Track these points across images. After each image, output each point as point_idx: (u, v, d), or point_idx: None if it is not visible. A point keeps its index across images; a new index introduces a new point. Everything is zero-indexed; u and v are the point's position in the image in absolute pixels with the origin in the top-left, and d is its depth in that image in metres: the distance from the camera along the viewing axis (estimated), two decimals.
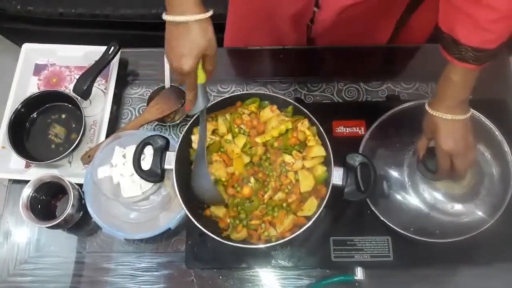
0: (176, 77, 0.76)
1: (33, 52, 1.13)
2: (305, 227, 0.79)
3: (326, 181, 0.83)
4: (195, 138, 0.86)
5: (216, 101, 0.87)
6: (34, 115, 1.07)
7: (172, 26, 0.72)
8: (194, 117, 0.86)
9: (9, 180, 1.03)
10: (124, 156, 0.93)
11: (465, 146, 0.80)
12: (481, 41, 0.70)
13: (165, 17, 0.72)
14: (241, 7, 1.12)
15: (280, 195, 0.82)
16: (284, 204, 0.82)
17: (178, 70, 0.73)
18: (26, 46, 1.13)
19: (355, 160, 0.81)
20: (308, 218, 0.81)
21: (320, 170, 0.84)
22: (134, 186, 0.90)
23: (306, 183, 0.82)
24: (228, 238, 0.83)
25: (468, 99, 0.79)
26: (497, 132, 0.91)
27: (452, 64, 0.75)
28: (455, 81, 0.76)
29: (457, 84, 0.77)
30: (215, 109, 0.88)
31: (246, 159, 0.84)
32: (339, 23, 0.97)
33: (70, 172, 1.03)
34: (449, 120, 0.79)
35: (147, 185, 0.90)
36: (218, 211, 0.84)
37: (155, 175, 0.82)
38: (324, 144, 0.84)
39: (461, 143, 0.80)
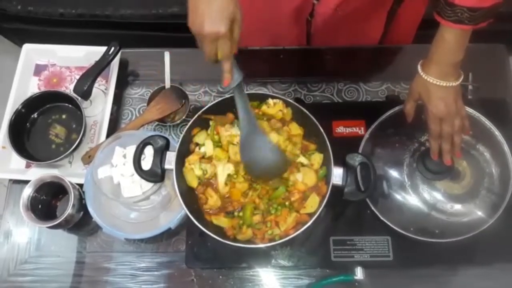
0: (208, 47, 0.68)
1: (33, 53, 1.13)
2: (308, 224, 0.79)
3: (326, 178, 0.83)
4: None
5: (216, 101, 0.87)
6: (35, 115, 1.07)
7: None
8: (195, 117, 0.86)
9: (10, 180, 1.03)
10: (124, 156, 0.93)
11: (455, 110, 0.82)
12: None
13: None
14: (241, 7, 1.11)
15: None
16: (287, 203, 0.83)
17: (213, 34, 0.66)
18: (27, 47, 1.13)
19: (355, 160, 0.81)
20: (310, 215, 0.82)
21: (317, 160, 0.85)
22: (134, 186, 0.91)
23: (308, 179, 0.83)
24: (229, 238, 0.83)
25: (460, 62, 0.80)
26: (497, 132, 0.91)
27: (447, 27, 0.76)
28: (450, 43, 0.77)
29: (451, 46, 0.77)
30: (212, 111, 0.88)
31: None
32: (337, 15, 0.97)
33: (71, 172, 1.03)
34: (441, 86, 0.80)
35: (147, 185, 0.90)
36: (221, 222, 0.84)
37: (155, 175, 0.83)
38: (324, 144, 0.84)
39: (452, 108, 0.81)
